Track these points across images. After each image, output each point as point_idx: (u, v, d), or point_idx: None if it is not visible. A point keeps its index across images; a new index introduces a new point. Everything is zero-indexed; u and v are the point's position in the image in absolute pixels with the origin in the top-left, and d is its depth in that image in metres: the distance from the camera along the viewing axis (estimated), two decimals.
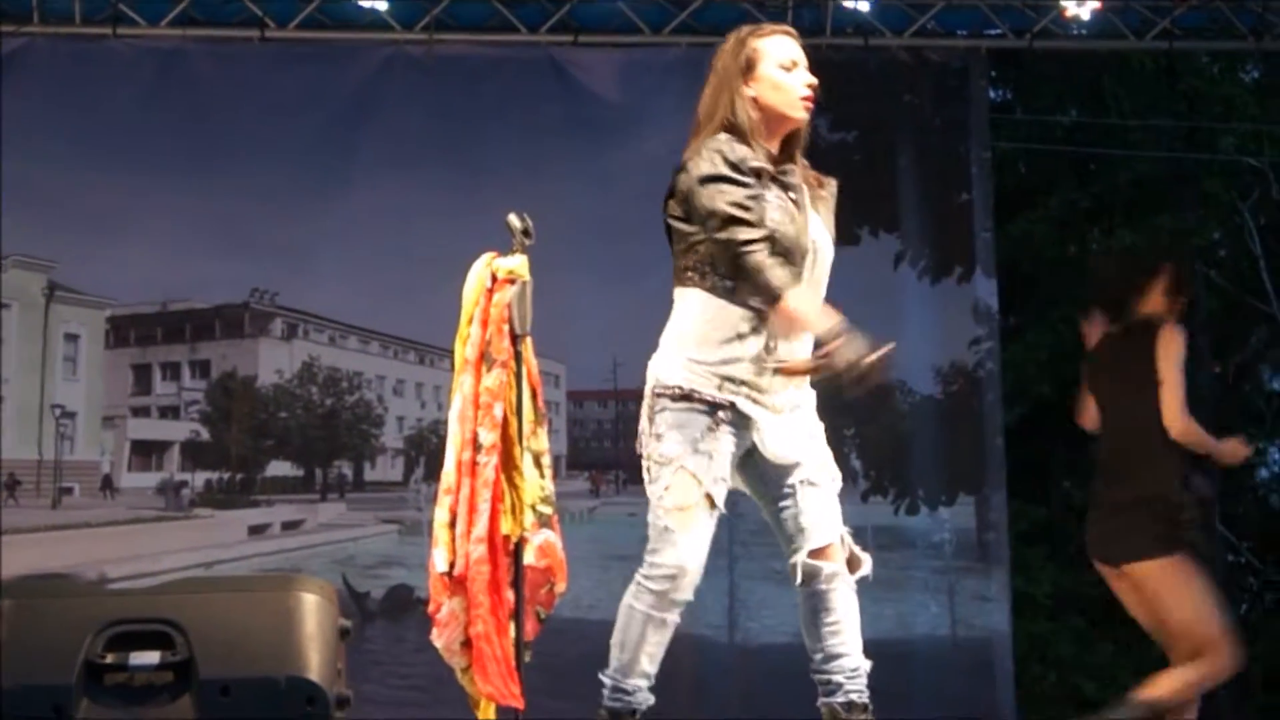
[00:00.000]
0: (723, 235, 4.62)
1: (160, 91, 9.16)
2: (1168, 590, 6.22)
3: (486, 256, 4.87)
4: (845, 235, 9.50)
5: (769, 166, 4.76)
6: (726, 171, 4.67)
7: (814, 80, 4.86)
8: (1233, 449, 6.31)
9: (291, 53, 9.26)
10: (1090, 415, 6.59)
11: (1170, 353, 6.25)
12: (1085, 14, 9.42)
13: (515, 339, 4.73)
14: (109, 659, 4.17)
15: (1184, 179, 15.56)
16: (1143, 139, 15.53)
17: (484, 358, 4.75)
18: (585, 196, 8.65)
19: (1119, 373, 6.41)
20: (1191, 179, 15.57)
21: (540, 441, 4.82)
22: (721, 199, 4.64)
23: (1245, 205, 15.21)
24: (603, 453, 9.30)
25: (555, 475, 9.21)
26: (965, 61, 9.76)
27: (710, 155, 4.70)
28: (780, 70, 4.86)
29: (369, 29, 9.31)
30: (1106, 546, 6.34)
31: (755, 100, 4.83)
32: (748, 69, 4.86)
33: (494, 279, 4.79)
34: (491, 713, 4.79)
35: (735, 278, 4.64)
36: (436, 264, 8.02)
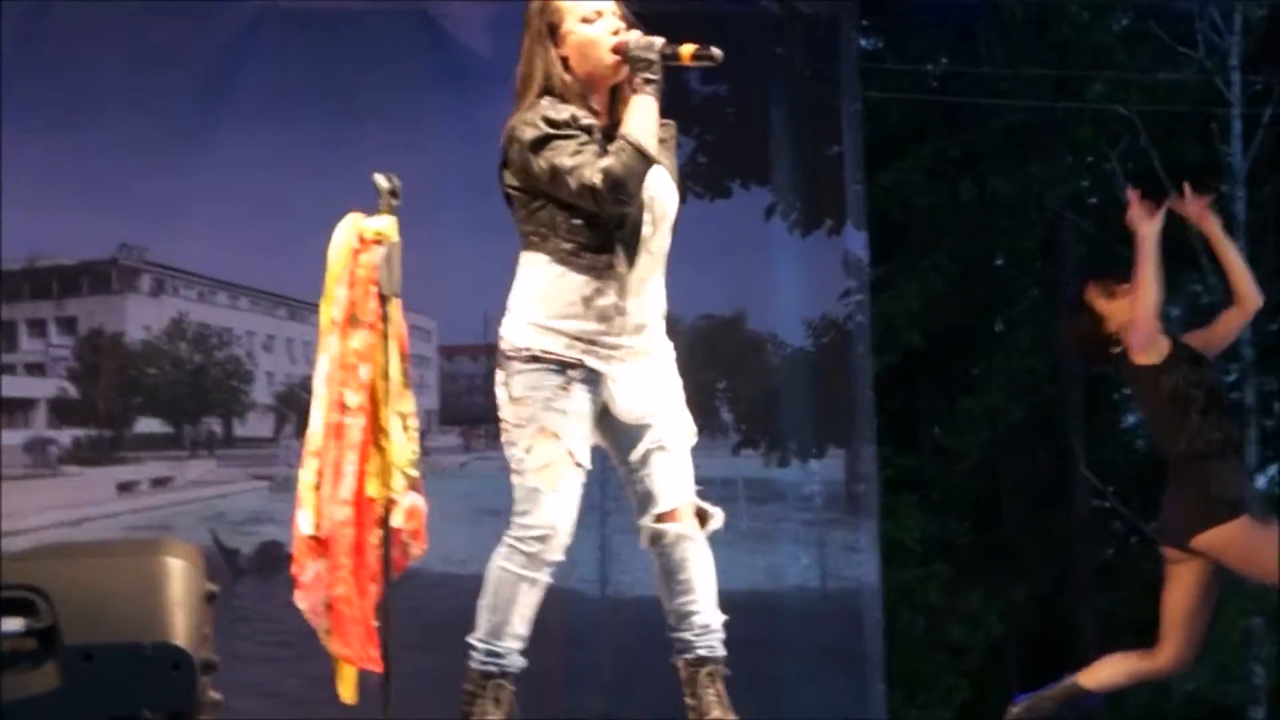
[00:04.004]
0: (575, 185, 4.62)
1: (26, 41, 9.01)
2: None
3: (352, 217, 4.82)
4: (717, 188, 9.53)
5: (596, 122, 4.74)
6: (551, 131, 4.67)
7: (620, 26, 4.77)
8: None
9: (160, 3, 9.13)
10: None
11: None
12: None
13: (383, 300, 4.71)
14: None
15: (1054, 127, 15.70)
16: (1014, 87, 15.64)
17: (351, 319, 4.72)
18: (456, 150, 8.64)
19: None
20: (1062, 127, 15.70)
21: (407, 404, 4.80)
22: (557, 156, 4.64)
23: (1114, 153, 15.34)
24: (474, 407, 9.32)
25: (427, 430, 9.30)
26: (836, 13, 9.78)
27: (534, 120, 4.69)
28: (584, 26, 4.78)
29: None
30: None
31: (565, 61, 4.81)
32: (552, 31, 4.80)
33: (361, 240, 4.75)
34: (351, 675, 4.78)
35: (611, 208, 4.63)
36: (307, 218, 7.96)
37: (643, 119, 4.66)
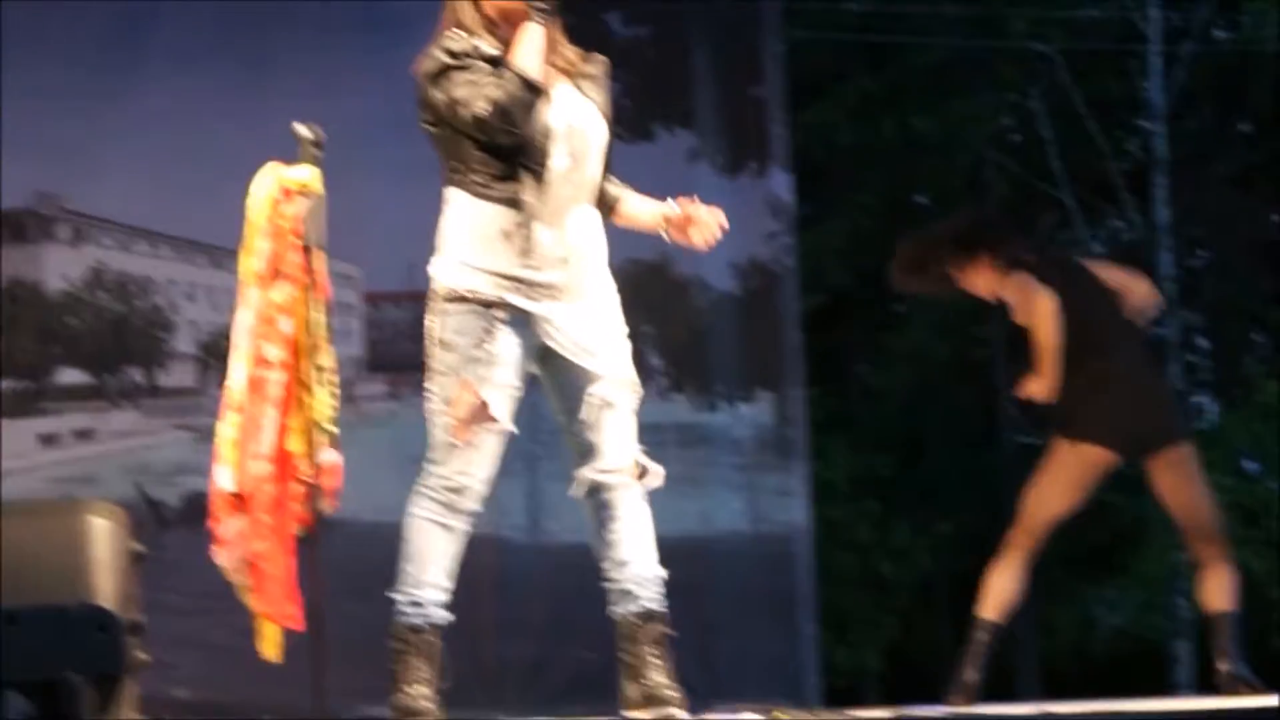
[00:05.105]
0: (468, 116, 4.59)
1: None
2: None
3: (271, 166, 4.75)
4: (640, 131, 9.46)
5: (499, 52, 4.69)
6: (449, 61, 4.64)
7: None
8: None
9: None
10: None
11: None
12: None
13: (307, 253, 4.65)
14: None
15: (976, 65, 15.74)
16: (935, 26, 15.67)
17: (274, 272, 4.66)
18: (378, 93, 8.57)
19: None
20: (983, 65, 15.74)
21: (328, 359, 4.74)
22: (453, 88, 4.62)
23: (1036, 91, 15.41)
24: (401, 354, 9.25)
25: (354, 379, 9.24)
26: None
27: (434, 53, 4.68)
28: None
29: None
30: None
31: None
32: None
33: (284, 191, 4.68)
34: (274, 632, 4.73)
35: (502, 138, 4.60)
36: (226, 164, 7.87)
37: (527, 47, 4.63)
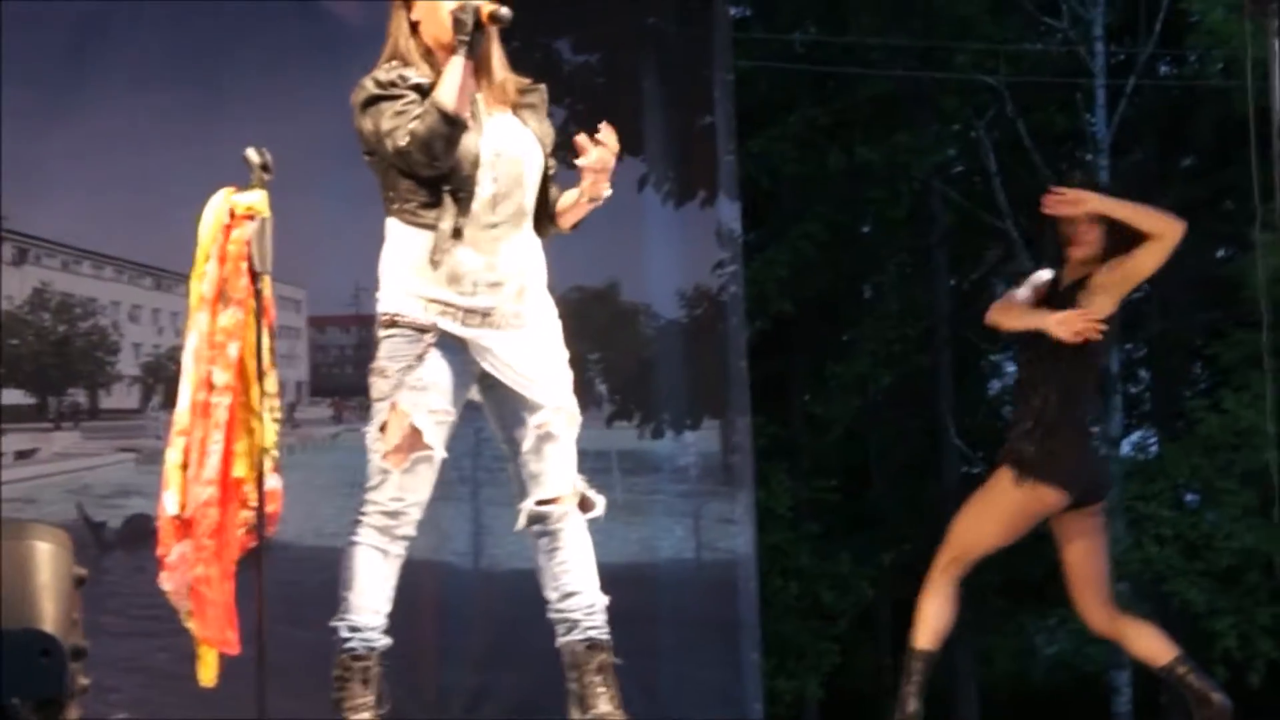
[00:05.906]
0: (391, 148, 4.61)
1: None
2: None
3: (224, 192, 4.77)
4: None
5: (429, 81, 4.70)
6: (377, 92, 4.67)
7: None
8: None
9: None
10: None
11: None
12: None
13: (255, 277, 4.65)
14: None
15: (921, 97, 15.82)
16: (881, 57, 15.74)
17: (221, 296, 4.66)
18: (326, 119, 8.52)
19: None
20: (929, 97, 15.83)
21: (271, 384, 4.74)
22: (379, 118, 4.64)
23: (981, 123, 15.50)
24: (345, 379, 9.23)
25: (297, 402, 9.21)
26: None
27: (364, 83, 4.71)
28: None
29: None
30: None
31: (415, 25, 4.79)
32: None
33: (232, 215, 4.68)
34: (211, 658, 4.72)
35: (424, 170, 4.61)
36: (172, 187, 7.89)
37: (449, 80, 4.64)
